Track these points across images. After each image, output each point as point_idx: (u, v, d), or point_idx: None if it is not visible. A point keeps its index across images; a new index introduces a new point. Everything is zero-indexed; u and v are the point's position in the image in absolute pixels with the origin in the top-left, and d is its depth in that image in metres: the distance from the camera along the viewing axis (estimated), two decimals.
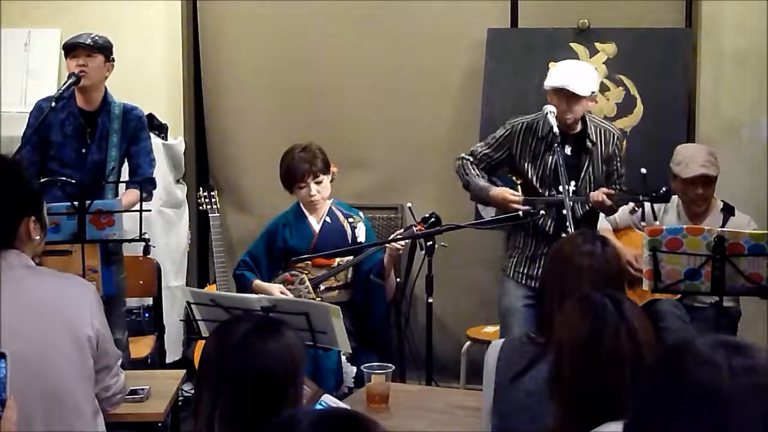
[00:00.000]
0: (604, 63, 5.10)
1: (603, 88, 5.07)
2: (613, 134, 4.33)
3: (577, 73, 4.24)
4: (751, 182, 5.04)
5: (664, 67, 5.06)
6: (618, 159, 4.33)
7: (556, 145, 4.11)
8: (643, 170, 4.03)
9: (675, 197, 4.54)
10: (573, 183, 4.21)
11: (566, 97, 4.16)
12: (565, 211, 4.05)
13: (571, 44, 5.13)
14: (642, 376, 1.36)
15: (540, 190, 4.26)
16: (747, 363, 1.23)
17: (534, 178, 4.28)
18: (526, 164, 4.29)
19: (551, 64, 4.90)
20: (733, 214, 4.47)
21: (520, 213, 4.22)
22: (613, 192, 4.12)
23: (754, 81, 5.07)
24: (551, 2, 5.25)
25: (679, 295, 4.22)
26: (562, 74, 4.23)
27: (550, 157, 4.21)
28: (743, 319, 4.54)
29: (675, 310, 4.29)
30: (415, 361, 4.55)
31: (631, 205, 4.10)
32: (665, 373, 1.29)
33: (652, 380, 1.30)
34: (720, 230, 3.69)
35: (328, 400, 2.85)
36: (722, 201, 4.52)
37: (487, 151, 4.38)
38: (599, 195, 4.11)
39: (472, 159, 4.40)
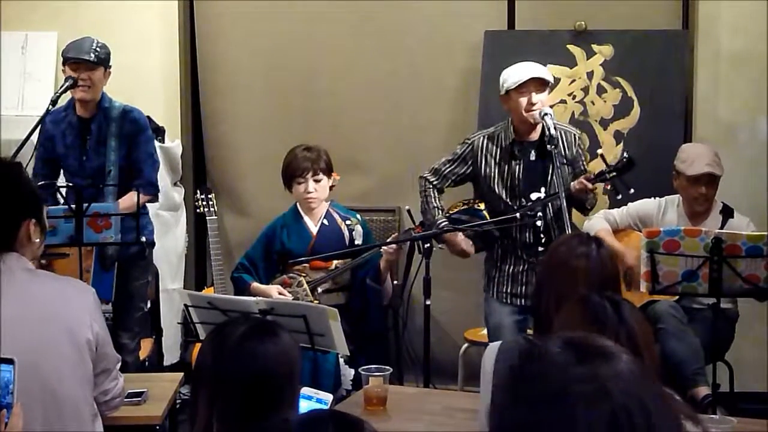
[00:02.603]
0: (600, 65, 5.10)
1: (600, 90, 5.07)
2: (574, 135, 4.35)
3: (536, 65, 4.32)
4: (749, 184, 5.04)
5: (661, 68, 5.05)
6: (582, 159, 4.35)
7: (552, 146, 4.11)
8: (600, 150, 4.26)
9: (677, 196, 4.53)
10: (543, 189, 4.22)
11: (535, 88, 4.20)
12: (539, 223, 4.08)
13: (567, 46, 5.13)
14: (504, 382, 1.35)
15: (510, 202, 4.25)
16: (587, 371, 1.22)
17: (504, 192, 4.27)
18: (492, 176, 4.29)
19: (549, 66, 4.91)
20: (732, 216, 4.47)
21: (518, 215, 4.22)
22: (590, 177, 4.13)
23: (752, 82, 5.08)
24: (548, 4, 5.25)
25: (677, 297, 4.22)
26: (525, 69, 4.27)
27: (516, 166, 4.23)
28: (741, 321, 4.54)
29: (673, 312, 4.28)
30: (412, 364, 4.56)
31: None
32: (519, 377, 1.28)
33: (509, 384, 1.29)
34: (717, 232, 3.68)
35: (308, 391, 2.84)
36: (722, 202, 4.52)
37: (451, 167, 4.39)
38: (580, 183, 4.12)
39: (434, 180, 4.40)
